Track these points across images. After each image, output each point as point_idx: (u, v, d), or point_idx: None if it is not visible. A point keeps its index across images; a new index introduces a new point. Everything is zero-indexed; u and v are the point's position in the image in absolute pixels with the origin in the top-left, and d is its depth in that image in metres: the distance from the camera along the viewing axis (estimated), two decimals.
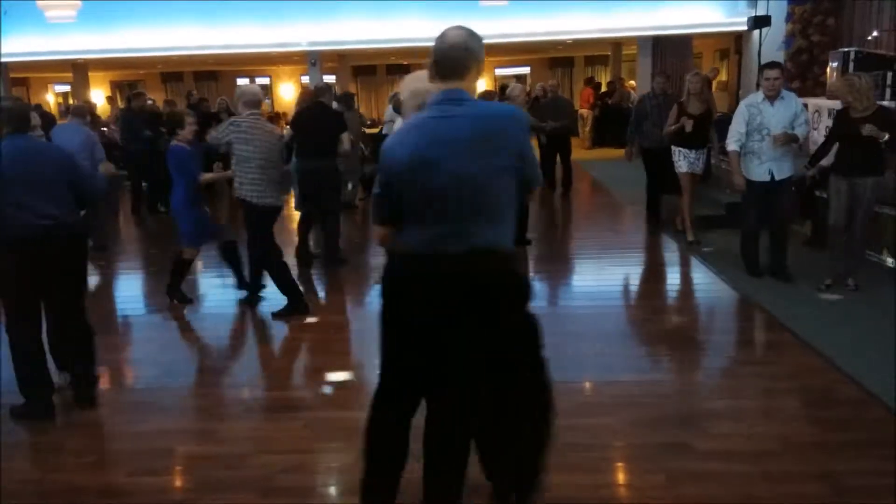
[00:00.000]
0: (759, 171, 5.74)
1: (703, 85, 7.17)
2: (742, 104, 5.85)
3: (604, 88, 18.11)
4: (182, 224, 5.70)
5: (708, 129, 7.13)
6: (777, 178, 5.72)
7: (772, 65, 5.87)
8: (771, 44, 11.65)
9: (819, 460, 3.20)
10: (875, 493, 2.94)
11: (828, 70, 8.85)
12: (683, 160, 7.12)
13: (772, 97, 5.63)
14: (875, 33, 10.02)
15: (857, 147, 5.30)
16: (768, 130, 5.63)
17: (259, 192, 5.35)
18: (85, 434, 3.77)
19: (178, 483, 3.34)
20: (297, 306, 5.48)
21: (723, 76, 17.75)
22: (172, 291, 5.89)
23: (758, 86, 6.49)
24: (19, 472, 3.37)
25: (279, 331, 5.33)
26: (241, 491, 3.14)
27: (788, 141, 5.60)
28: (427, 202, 2.33)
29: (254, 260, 5.70)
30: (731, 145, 5.81)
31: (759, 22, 11.16)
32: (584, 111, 17.32)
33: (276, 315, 5.44)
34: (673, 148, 7.18)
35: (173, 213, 5.93)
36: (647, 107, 7.99)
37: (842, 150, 5.49)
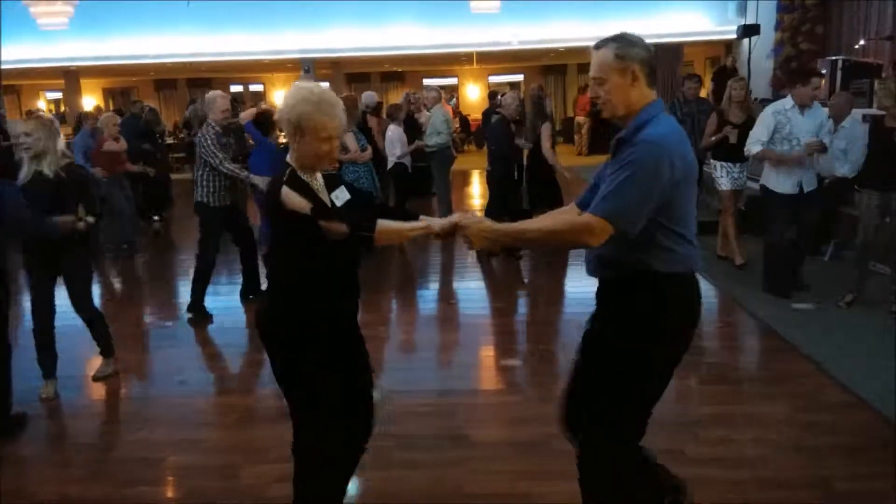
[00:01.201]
0: (788, 182, 5.43)
1: (746, 91, 6.58)
2: (768, 110, 5.59)
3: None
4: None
5: None
6: (806, 189, 5.44)
7: (812, 72, 5.71)
8: (760, 52, 11.76)
9: (810, 465, 3.23)
10: (866, 496, 2.97)
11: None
12: (726, 176, 6.44)
13: (806, 106, 5.41)
14: (862, 42, 10.12)
15: (892, 158, 4.99)
16: (798, 140, 5.35)
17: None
18: (75, 446, 3.76)
19: (170, 494, 3.33)
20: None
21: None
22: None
23: (683, 93, 6.85)
24: (9, 486, 3.34)
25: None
26: (233, 501, 3.14)
27: (821, 149, 5.41)
28: (691, 213, 2.31)
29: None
30: (755, 148, 5.48)
31: (749, 30, 11.27)
32: (581, 118, 17.39)
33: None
34: (713, 163, 6.53)
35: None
36: (677, 115, 7.06)
37: (873, 162, 5.18)
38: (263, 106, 7.45)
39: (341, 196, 2.53)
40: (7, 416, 3.89)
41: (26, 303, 4.56)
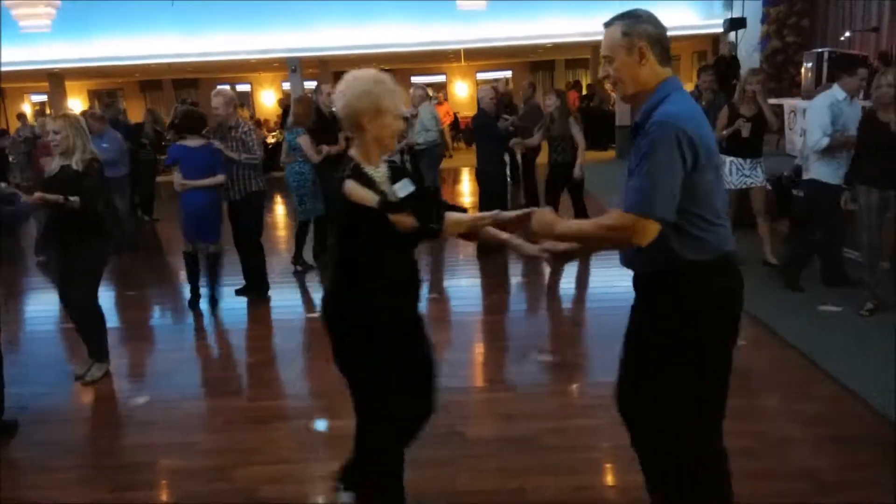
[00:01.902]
0: (839, 174, 5.26)
1: (763, 85, 6.27)
2: (820, 103, 5.47)
3: (584, 92, 18.20)
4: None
5: (763, 134, 6.23)
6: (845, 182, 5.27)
7: (858, 62, 5.69)
8: (747, 45, 11.81)
9: (800, 457, 3.25)
10: (854, 487, 2.99)
11: (802, 70, 8.96)
12: (735, 172, 6.11)
13: (854, 96, 5.34)
14: (847, 34, 10.19)
15: (889, 153, 4.83)
16: (848, 131, 5.23)
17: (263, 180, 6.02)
18: (66, 450, 3.74)
19: (162, 498, 3.32)
20: None
21: None
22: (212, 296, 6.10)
23: (697, 87, 6.64)
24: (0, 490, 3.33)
25: (261, 340, 5.32)
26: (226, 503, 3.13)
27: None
28: (717, 196, 2.21)
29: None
30: (824, 141, 5.27)
31: (735, 24, 11.32)
32: None
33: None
34: (723, 158, 6.04)
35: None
36: None
37: (868, 158, 4.97)
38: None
39: (404, 188, 2.52)
40: None
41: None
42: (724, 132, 6.05)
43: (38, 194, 4.18)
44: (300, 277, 6.85)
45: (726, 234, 2.24)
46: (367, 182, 2.41)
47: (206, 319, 5.86)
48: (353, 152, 2.51)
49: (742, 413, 3.69)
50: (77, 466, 3.56)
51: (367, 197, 2.35)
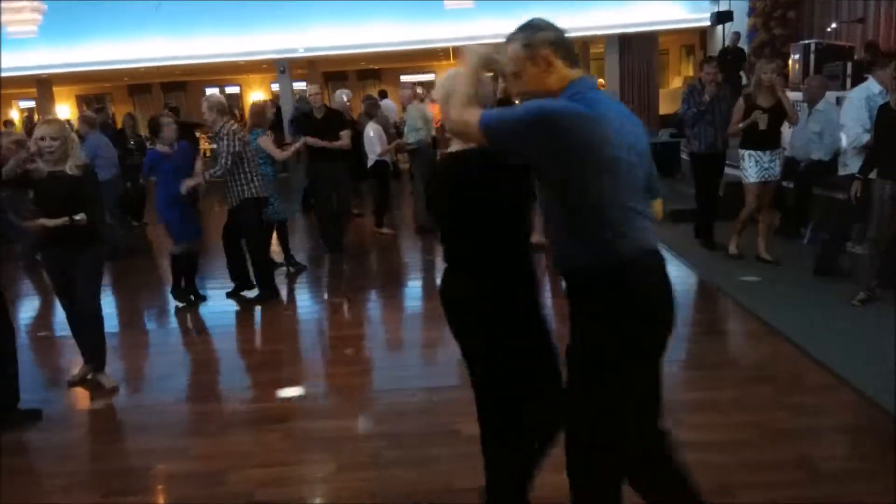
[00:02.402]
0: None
1: (777, 74, 6.06)
2: (858, 96, 5.39)
3: None
4: (168, 223, 5.95)
5: (781, 126, 6.00)
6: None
7: (846, 53, 5.60)
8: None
9: (794, 447, 3.25)
10: (849, 476, 3.00)
11: (790, 62, 8.98)
12: (754, 166, 5.91)
13: (887, 89, 5.20)
14: (834, 25, 10.21)
15: None
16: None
17: (258, 186, 5.94)
18: (59, 455, 3.72)
19: (156, 503, 3.30)
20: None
21: (689, 72, 17.96)
22: (176, 294, 6.11)
23: (700, 80, 6.51)
24: None
25: (253, 343, 5.30)
26: None
27: None
28: (632, 191, 2.10)
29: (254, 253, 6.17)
30: (865, 137, 5.22)
31: (722, 17, 11.34)
32: None
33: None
34: (740, 152, 6.05)
35: (158, 212, 6.16)
36: (694, 102, 6.57)
37: (883, 150, 4.89)
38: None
39: None
40: (15, 409, 4.00)
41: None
42: (741, 125, 5.89)
43: (40, 221, 4.11)
44: (292, 278, 6.84)
45: (644, 236, 2.12)
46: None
47: (198, 322, 5.85)
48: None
49: (737, 404, 3.72)
50: (70, 472, 3.54)
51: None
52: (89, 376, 4.50)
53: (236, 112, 21.14)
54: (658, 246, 2.19)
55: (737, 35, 11.61)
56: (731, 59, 9.88)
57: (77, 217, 4.14)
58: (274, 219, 6.76)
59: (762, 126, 5.81)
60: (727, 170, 6.88)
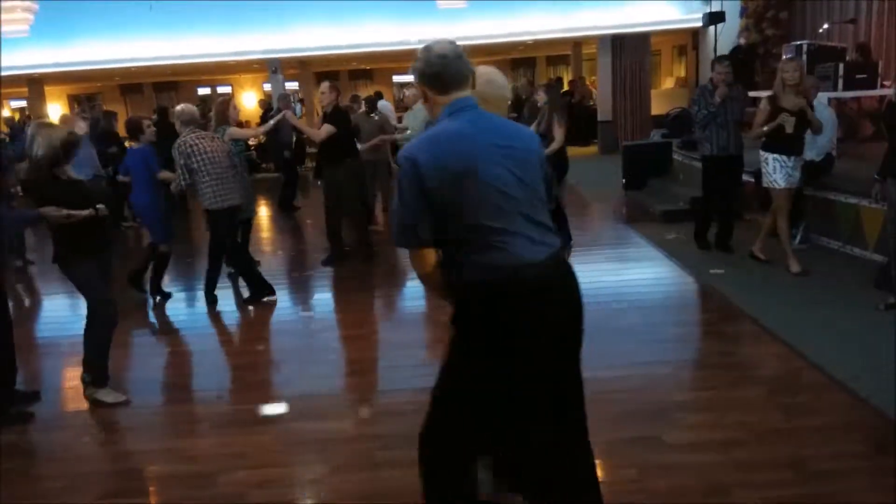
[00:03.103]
0: None
1: (801, 73, 5.78)
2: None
3: (565, 87, 18.25)
4: (149, 222, 6.07)
5: (805, 130, 5.73)
6: None
7: (838, 54, 5.53)
8: (726, 39, 11.87)
9: (787, 447, 3.26)
10: (841, 475, 3.01)
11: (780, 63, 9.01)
12: (780, 170, 5.68)
13: None
14: (826, 25, 10.24)
15: None
16: None
17: (220, 196, 5.77)
18: (52, 458, 3.70)
19: None
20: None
21: (681, 72, 18.02)
22: (154, 290, 6.25)
23: (711, 80, 6.35)
24: None
25: (244, 343, 5.29)
26: None
27: None
28: (492, 212, 2.20)
29: (231, 262, 6.22)
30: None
31: (714, 18, 11.36)
32: None
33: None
34: (764, 155, 5.81)
35: (138, 212, 6.15)
36: (705, 103, 6.32)
37: (893, 148, 4.83)
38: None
39: None
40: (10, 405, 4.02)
41: None
42: (766, 128, 5.65)
43: (66, 212, 3.91)
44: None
45: (492, 254, 2.19)
46: None
47: (189, 323, 5.83)
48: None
49: (729, 404, 3.73)
50: (63, 474, 3.52)
51: None
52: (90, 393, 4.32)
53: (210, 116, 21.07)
54: (537, 257, 2.23)
55: (749, 32, 11.24)
56: (744, 57, 9.67)
57: (99, 206, 4.01)
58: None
59: (789, 130, 5.58)
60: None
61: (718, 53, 11.15)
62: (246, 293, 6.19)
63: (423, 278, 2.33)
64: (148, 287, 6.30)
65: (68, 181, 4.09)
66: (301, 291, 6.70)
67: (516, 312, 2.23)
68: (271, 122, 7.29)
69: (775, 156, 5.68)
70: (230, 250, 6.09)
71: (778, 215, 5.85)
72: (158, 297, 6.28)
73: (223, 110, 6.88)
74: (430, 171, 2.15)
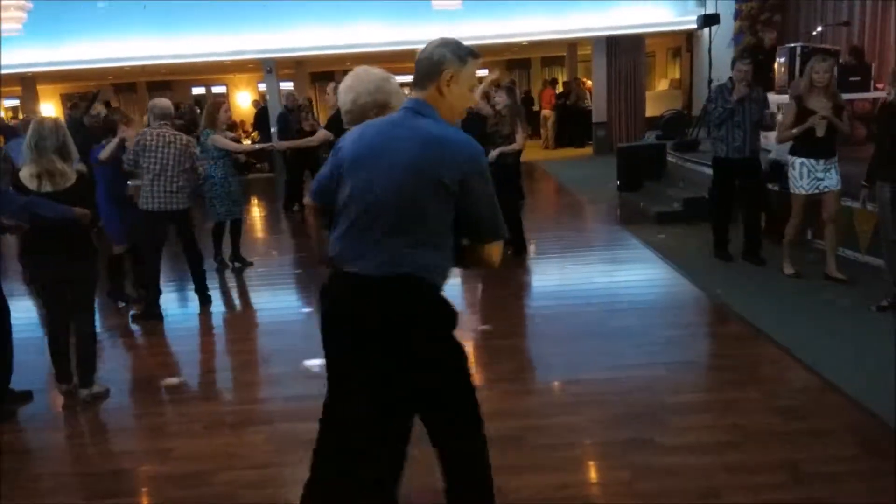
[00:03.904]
0: None
1: (832, 75, 5.51)
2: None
3: (559, 89, 18.29)
4: (106, 221, 5.75)
5: (836, 132, 5.42)
6: None
7: (832, 56, 5.45)
8: (720, 41, 11.88)
9: (780, 449, 3.26)
10: (833, 478, 3.01)
11: (775, 65, 9.03)
12: (806, 176, 5.42)
13: None
14: (820, 28, 10.27)
15: None
16: None
17: (153, 198, 5.63)
18: (42, 458, 3.68)
19: None
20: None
21: (675, 74, 18.05)
22: (116, 294, 6.16)
23: (731, 79, 6.12)
24: None
25: (234, 343, 5.27)
26: None
27: None
28: (357, 210, 2.21)
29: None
30: None
31: (709, 20, 11.39)
32: (546, 112, 17.49)
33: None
34: (791, 159, 5.56)
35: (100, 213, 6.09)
36: (722, 102, 6.06)
37: (882, 152, 4.81)
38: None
39: None
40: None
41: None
42: (795, 130, 5.40)
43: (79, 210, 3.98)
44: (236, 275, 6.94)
45: (340, 256, 2.25)
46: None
47: (179, 324, 5.81)
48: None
49: (723, 407, 3.73)
50: (52, 474, 3.51)
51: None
52: (81, 394, 4.29)
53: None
54: (355, 268, 2.21)
55: (770, 32, 10.75)
56: (764, 59, 9.43)
57: (77, 210, 4.00)
58: (226, 219, 7.03)
59: (820, 133, 5.32)
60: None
61: (715, 56, 11.23)
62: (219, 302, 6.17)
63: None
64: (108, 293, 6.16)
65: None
66: (300, 290, 6.68)
67: (329, 317, 2.33)
68: (257, 146, 7.25)
69: (803, 160, 5.44)
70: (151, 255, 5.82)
71: (791, 218, 5.68)
72: (121, 303, 6.14)
73: (212, 112, 6.87)
74: (343, 147, 2.32)
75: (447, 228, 2.21)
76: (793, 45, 9.07)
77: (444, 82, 2.24)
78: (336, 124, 6.83)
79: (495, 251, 2.30)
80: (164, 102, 5.93)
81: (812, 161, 5.40)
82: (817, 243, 6.57)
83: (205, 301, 6.05)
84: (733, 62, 6.38)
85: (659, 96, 16.63)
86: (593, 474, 3.28)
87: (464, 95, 2.31)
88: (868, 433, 3.37)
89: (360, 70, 2.54)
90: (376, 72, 2.56)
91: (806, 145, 5.40)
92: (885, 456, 3.13)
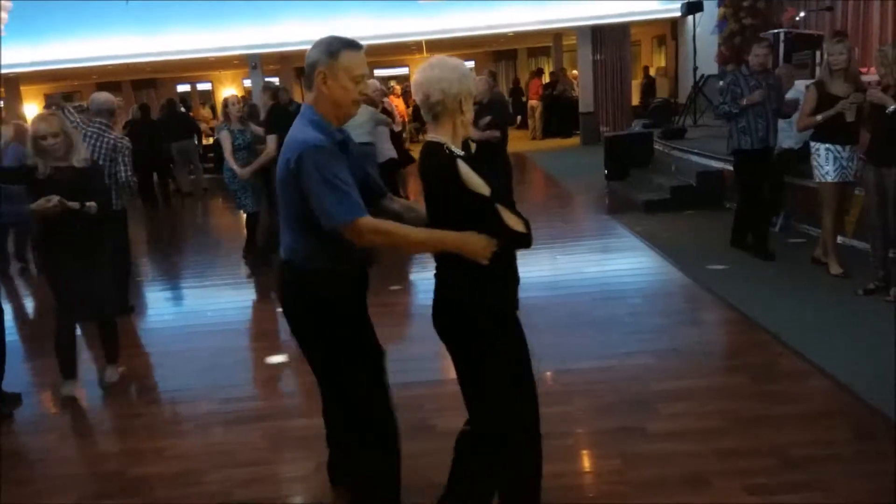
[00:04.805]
0: None
1: (849, 56, 5.18)
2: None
3: (545, 79, 18.30)
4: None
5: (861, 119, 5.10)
6: None
7: (815, 42, 5.54)
8: (705, 28, 11.90)
9: (768, 434, 3.29)
10: (821, 462, 3.04)
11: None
12: (832, 163, 5.15)
13: None
14: (802, 14, 10.30)
15: (884, 130, 4.60)
16: None
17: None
18: (33, 459, 3.67)
19: None
20: None
21: (661, 62, 18.08)
22: None
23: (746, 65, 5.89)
24: None
25: (226, 341, 5.26)
26: None
27: None
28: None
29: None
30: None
31: (693, 7, 11.40)
32: (534, 102, 17.50)
33: None
34: (816, 146, 5.28)
35: None
36: (743, 89, 5.78)
37: (873, 137, 4.76)
38: None
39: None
40: None
41: None
42: (820, 117, 5.14)
43: (54, 200, 3.85)
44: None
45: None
46: (476, 167, 2.20)
47: (170, 323, 5.79)
48: (438, 137, 2.28)
49: (711, 393, 3.76)
50: (43, 476, 3.50)
51: (481, 185, 2.17)
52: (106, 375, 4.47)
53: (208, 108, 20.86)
54: (289, 256, 2.49)
55: (791, 15, 10.31)
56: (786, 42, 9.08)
57: (88, 204, 3.99)
58: (255, 209, 7.01)
59: (850, 118, 5.02)
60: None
61: (699, 43, 11.25)
62: None
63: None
64: None
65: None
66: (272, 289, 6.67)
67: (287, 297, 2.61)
68: (255, 164, 6.89)
69: (828, 146, 5.17)
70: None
71: (824, 211, 5.38)
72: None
73: (224, 108, 6.96)
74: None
75: (308, 213, 2.30)
76: (776, 31, 9.11)
77: (319, 82, 2.37)
78: (278, 121, 6.71)
79: (509, 218, 2.25)
80: (103, 97, 5.59)
81: (837, 147, 5.15)
82: (803, 227, 6.62)
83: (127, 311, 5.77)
84: (752, 47, 6.01)
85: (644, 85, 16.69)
86: (586, 463, 3.30)
87: (345, 87, 2.38)
88: (856, 417, 3.41)
89: (437, 60, 2.34)
90: (456, 62, 2.35)
91: (831, 130, 5.13)
92: (873, 439, 3.17)
